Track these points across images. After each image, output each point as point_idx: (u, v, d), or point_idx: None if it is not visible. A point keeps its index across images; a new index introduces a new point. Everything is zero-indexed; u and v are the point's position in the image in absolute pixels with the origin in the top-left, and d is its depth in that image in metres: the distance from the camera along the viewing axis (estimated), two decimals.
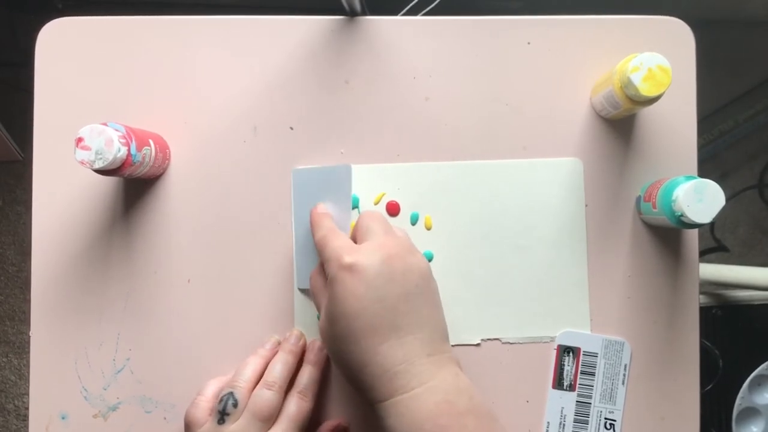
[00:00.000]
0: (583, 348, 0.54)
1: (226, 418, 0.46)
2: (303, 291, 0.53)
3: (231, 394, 0.47)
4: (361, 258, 0.42)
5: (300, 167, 0.53)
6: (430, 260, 0.54)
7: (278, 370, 0.49)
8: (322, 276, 0.47)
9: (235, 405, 0.46)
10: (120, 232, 0.53)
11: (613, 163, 0.54)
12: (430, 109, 0.54)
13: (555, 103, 0.55)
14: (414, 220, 0.54)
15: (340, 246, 0.44)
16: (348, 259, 0.42)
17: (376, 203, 0.54)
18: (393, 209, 0.54)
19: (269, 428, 0.46)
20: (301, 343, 0.52)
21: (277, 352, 0.51)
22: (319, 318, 0.47)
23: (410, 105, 0.54)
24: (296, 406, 0.48)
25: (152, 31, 0.54)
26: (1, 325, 1.30)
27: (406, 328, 0.41)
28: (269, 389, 0.47)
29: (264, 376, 0.49)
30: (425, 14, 0.65)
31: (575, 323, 0.54)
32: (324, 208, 0.51)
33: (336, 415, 0.53)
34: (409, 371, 0.40)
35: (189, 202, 0.54)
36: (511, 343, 0.54)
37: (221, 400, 0.46)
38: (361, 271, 0.42)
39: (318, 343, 0.52)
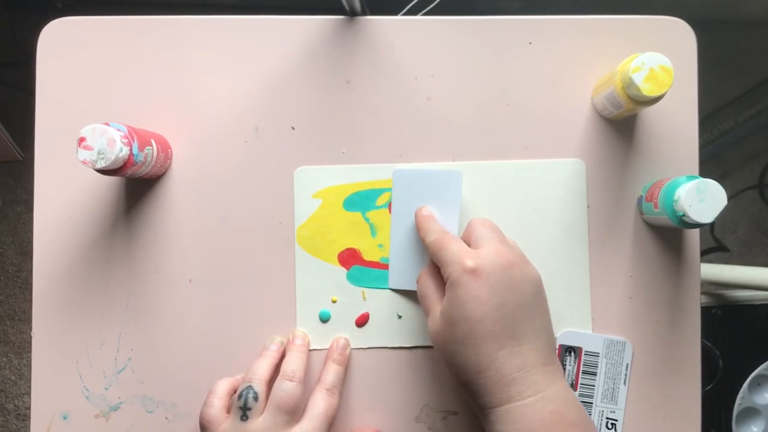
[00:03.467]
0: (585, 348, 0.54)
1: (248, 413, 0.46)
2: (395, 291, 0.54)
3: (250, 387, 0.47)
4: (484, 263, 0.43)
5: (401, 167, 0.54)
6: None
7: (295, 363, 0.49)
8: (433, 278, 0.47)
9: (256, 398, 0.46)
10: (121, 232, 0.53)
11: (615, 164, 0.54)
12: (432, 109, 0.54)
13: (556, 103, 0.55)
14: None
15: (460, 250, 0.44)
16: (470, 263, 0.43)
17: (380, 203, 0.54)
18: None
19: (294, 422, 0.46)
20: (306, 341, 0.52)
21: (283, 351, 0.51)
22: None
23: (412, 105, 0.54)
24: (324, 402, 0.48)
25: (153, 30, 0.54)
26: (1, 325, 1.30)
27: (524, 336, 0.42)
28: (290, 380, 0.47)
29: (282, 369, 0.48)
30: (425, 14, 0.65)
31: (577, 323, 0.54)
32: (428, 210, 0.51)
33: (357, 416, 0.53)
34: (526, 379, 0.41)
35: (190, 202, 0.54)
36: None
37: (240, 396, 0.46)
38: (484, 275, 0.42)
39: (342, 341, 0.52)
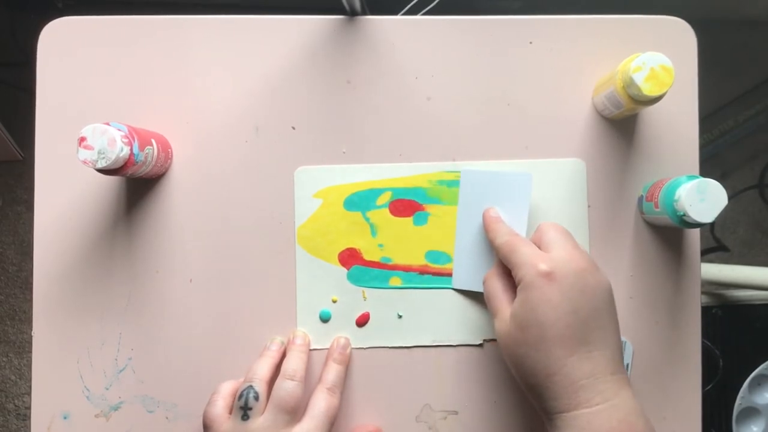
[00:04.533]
0: None
1: (249, 413, 0.46)
2: (458, 291, 0.54)
3: (251, 387, 0.47)
4: (558, 266, 0.43)
5: (470, 168, 0.54)
6: (449, 261, 0.54)
7: (296, 363, 0.49)
8: (501, 280, 0.47)
9: (257, 398, 0.46)
10: (122, 232, 0.53)
11: (615, 163, 0.54)
12: (432, 109, 0.54)
13: (557, 103, 0.55)
14: (417, 220, 0.54)
15: (533, 253, 0.44)
16: (544, 266, 0.43)
17: (381, 203, 0.54)
18: (398, 209, 0.54)
19: (295, 422, 0.46)
20: (306, 341, 0.52)
21: (283, 351, 0.52)
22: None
23: (412, 105, 0.54)
24: (325, 401, 0.48)
25: (154, 30, 0.54)
26: (2, 325, 1.30)
27: (594, 343, 0.42)
28: (291, 380, 0.47)
29: (282, 368, 0.49)
30: (425, 14, 0.65)
31: None
32: (496, 212, 0.51)
33: (358, 416, 0.53)
34: (595, 387, 0.41)
35: (191, 202, 0.54)
36: None
37: (241, 396, 0.46)
38: (557, 279, 0.42)
39: (342, 341, 0.52)
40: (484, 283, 0.49)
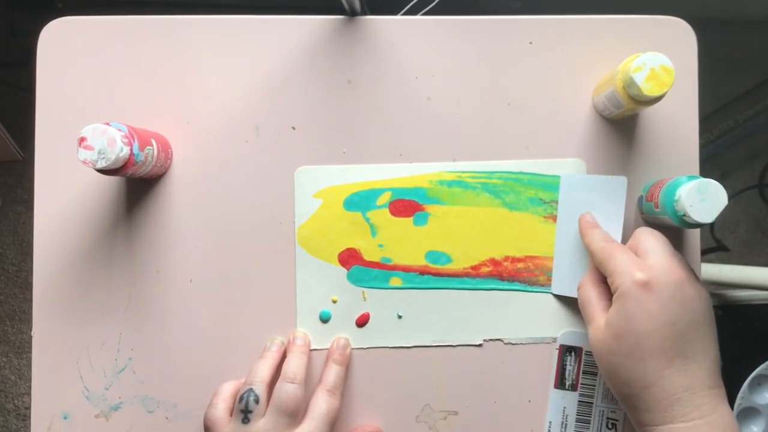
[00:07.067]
0: (585, 348, 0.53)
1: (250, 415, 0.46)
2: (557, 296, 0.53)
3: (251, 390, 0.47)
4: (656, 276, 0.42)
5: (569, 173, 0.53)
6: (449, 261, 0.54)
7: (296, 364, 0.49)
8: (596, 287, 0.47)
9: (257, 401, 0.46)
10: (122, 232, 0.53)
11: (615, 163, 0.54)
12: (432, 109, 0.54)
13: (557, 103, 0.55)
14: (417, 220, 0.54)
15: (630, 260, 0.44)
16: (641, 275, 0.42)
17: (381, 203, 0.54)
18: (398, 209, 0.54)
19: (296, 424, 0.46)
20: (306, 342, 0.52)
21: (283, 352, 0.52)
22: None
23: (412, 105, 0.54)
24: (326, 403, 0.48)
25: (154, 30, 0.54)
26: (1, 325, 1.30)
27: (692, 356, 0.41)
28: (292, 382, 0.47)
29: (283, 371, 0.48)
30: (425, 14, 0.64)
31: (577, 323, 0.54)
32: (592, 216, 0.51)
33: (358, 416, 0.53)
34: (691, 401, 0.40)
35: (191, 202, 0.54)
36: (513, 344, 0.54)
37: (241, 399, 0.46)
38: (656, 290, 0.42)
39: (342, 341, 0.52)
40: (578, 289, 0.48)
